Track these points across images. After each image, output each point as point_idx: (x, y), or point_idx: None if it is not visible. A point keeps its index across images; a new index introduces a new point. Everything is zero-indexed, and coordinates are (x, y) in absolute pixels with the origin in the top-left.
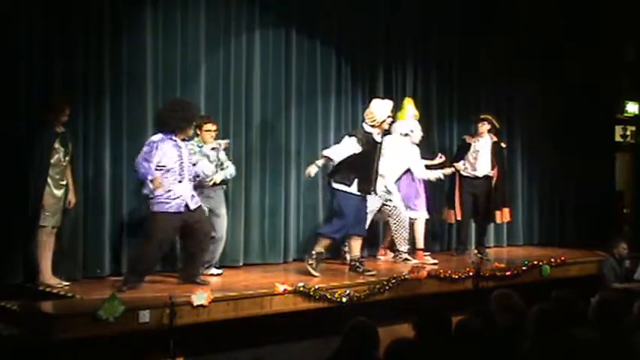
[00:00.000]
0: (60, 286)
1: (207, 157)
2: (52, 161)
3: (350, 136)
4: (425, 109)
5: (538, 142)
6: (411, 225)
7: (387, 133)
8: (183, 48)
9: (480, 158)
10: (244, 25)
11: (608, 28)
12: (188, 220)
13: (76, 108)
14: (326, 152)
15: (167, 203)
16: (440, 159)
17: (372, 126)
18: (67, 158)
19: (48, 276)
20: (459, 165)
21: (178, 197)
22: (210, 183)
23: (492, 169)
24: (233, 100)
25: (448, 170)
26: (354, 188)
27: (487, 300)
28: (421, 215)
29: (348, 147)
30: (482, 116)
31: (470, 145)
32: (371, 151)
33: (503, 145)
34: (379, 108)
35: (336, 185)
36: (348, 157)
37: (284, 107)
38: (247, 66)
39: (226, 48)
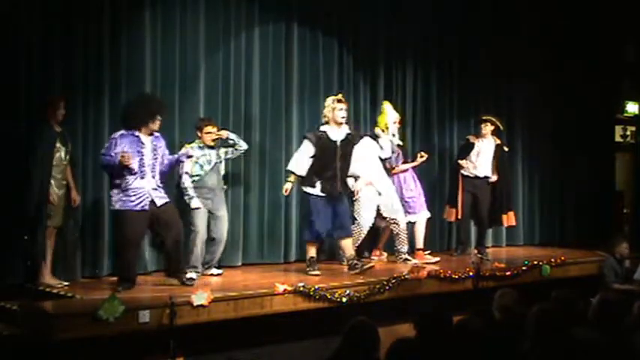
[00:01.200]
0: (60, 286)
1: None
2: (53, 161)
3: (304, 138)
4: (425, 109)
5: (538, 142)
6: (413, 225)
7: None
8: (183, 47)
9: (482, 159)
10: (243, 24)
11: (608, 28)
12: (156, 218)
13: (76, 108)
14: (290, 167)
15: (130, 201)
16: (421, 158)
17: (326, 123)
18: (67, 157)
19: (48, 276)
20: (463, 163)
21: (140, 194)
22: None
23: (493, 172)
24: (233, 99)
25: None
26: (317, 190)
27: (487, 300)
28: (423, 216)
29: (303, 152)
30: (484, 117)
31: (473, 144)
32: (327, 149)
33: (505, 149)
34: (326, 102)
35: (304, 188)
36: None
37: (284, 106)
38: (247, 65)
39: (226, 47)
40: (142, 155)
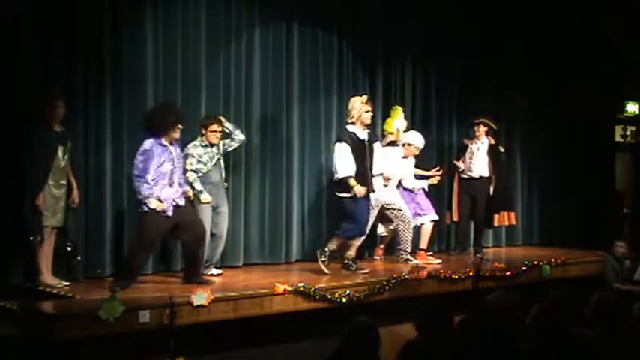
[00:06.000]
0: (60, 286)
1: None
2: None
3: (338, 141)
4: (424, 108)
5: (538, 142)
6: (420, 226)
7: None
8: (184, 47)
9: (476, 160)
10: (244, 24)
11: (608, 28)
12: (179, 221)
13: (77, 108)
14: (340, 174)
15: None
16: (437, 172)
17: (353, 124)
18: (65, 157)
19: (48, 276)
20: (459, 163)
21: (167, 202)
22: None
23: (489, 172)
24: (233, 98)
25: (434, 180)
26: (353, 193)
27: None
28: (431, 218)
29: (346, 155)
30: (477, 120)
31: (467, 146)
32: (359, 150)
33: (501, 149)
34: (353, 103)
35: (340, 194)
36: None
37: (285, 105)
38: (247, 64)
39: (227, 46)
40: (173, 164)
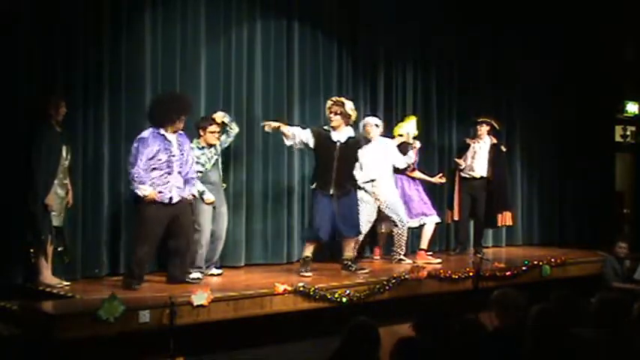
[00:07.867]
0: (60, 286)
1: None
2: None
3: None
4: (424, 109)
5: (538, 142)
6: (422, 226)
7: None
8: (183, 46)
9: (478, 159)
10: (245, 22)
11: (608, 28)
12: (173, 214)
13: (76, 108)
14: (290, 128)
15: (157, 192)
16: (440, 179)
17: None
18: (68, 157)
19: (48, 276)
20: (460, 161)
21: (166, 188)
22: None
23: (489, 171)
24: (234, 97)
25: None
26: (316, 186)
27: (487, 300)
28: (435, 220)
29: (302, 132)
30: (479, 119)
31: (469, 145)
32: (326, 149)
33: (503, 148)
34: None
35: (311, 186)
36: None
37: (286, 105)
38: (248, 64)
39: (226, 46)
40: (171, 153)
